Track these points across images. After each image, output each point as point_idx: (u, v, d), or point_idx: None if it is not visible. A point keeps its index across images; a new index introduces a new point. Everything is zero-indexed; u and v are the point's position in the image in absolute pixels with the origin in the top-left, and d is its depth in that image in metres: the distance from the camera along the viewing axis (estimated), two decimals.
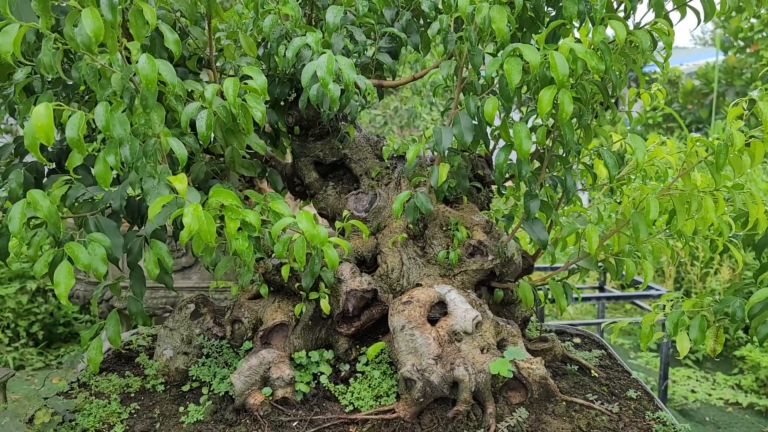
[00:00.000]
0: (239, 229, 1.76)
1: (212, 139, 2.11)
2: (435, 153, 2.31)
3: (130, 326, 4.42)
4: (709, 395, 5.88)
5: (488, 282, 2.47)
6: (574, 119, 2.12)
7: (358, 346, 2.38)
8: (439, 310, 2.22)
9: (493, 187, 2.77)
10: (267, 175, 2.74)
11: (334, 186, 2.83)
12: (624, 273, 2.39)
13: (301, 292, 2.24)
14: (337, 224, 2.34)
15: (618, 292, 6.12)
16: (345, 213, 2.54)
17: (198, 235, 1.65)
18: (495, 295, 2.49)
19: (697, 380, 6.27)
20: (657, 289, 5.36)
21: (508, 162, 2.09)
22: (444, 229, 2.40)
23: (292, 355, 2.25)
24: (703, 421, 5.36)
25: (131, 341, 2.77)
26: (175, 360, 2.33)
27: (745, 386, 6.16)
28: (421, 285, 2.34)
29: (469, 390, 1.96)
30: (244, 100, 1.88)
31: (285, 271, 2.12)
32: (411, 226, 2.34)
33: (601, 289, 6.12)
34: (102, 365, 2.44)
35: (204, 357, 2.34)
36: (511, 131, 2.00)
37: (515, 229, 2.31)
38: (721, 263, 7.14)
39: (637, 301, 5.78)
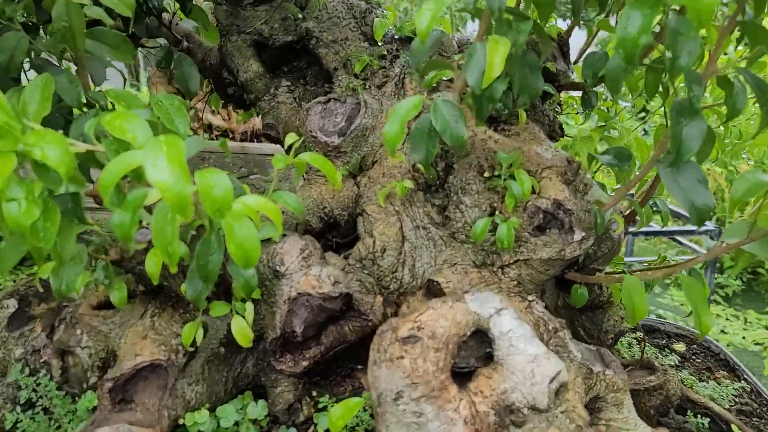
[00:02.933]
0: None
1: None
2: (475, 20, 1.11)
3: None
4: (743, 338, 4.94)
5: (563, 272, 1.33)
6: None
7: (313, 394, 1.27)
8: (475, 348, 1.08)
9: (566, 97, 1.58)
10: (173, 65, 1.55)
11: (290, 87, 1.64)
12: None
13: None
14: (276, 162, 1.19)
15: (655, 226, 4.80)
16: (302, 136, 1.39)
17: None
18: (574, 297, 1.35)
19: (727, 319, 5.29)
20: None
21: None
22: (485, 174, 1.23)
23: (182, 419, 1.14)
24: None
25: None
26: None
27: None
28: (438, 285, 1.20)
29: None
30: None
31: (153, 263, 1.01)
32: (421, 167, 1.16)
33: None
34: None
35: (25, 407, 1.23)
36: None
37: (636, 181, 1.14)
38: None
39: (679, 237, 4.54)
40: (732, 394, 1.55)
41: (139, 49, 1.81)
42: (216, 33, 1.65)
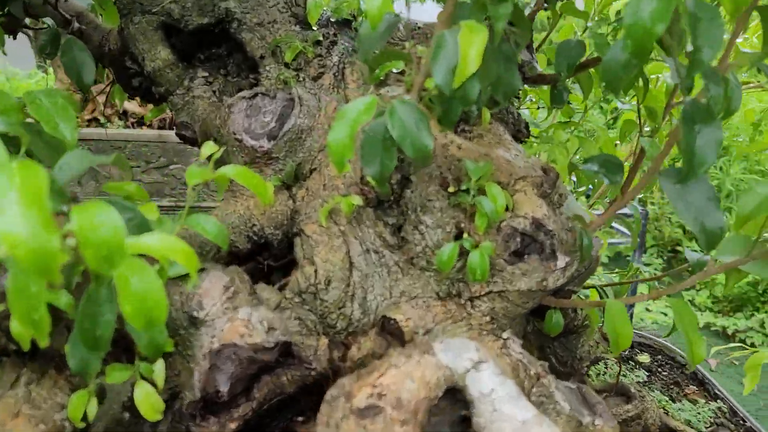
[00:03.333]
0: None
1: None
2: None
3: None
4: (665, 314, 5.04)
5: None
6: None
7: None
8: (448, 410, 0.88)
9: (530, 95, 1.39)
10: (61, 51, 1.27)
11: (208, 78, 1.38)
12: None
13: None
14: (191, 178, 0.95)
15: None
16: (224, 138, 1.16)
17: None
18: (548, 325, 1.17)
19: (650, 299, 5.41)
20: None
21: None
22: (449, 188, 1.02)
23: None
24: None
25: None
26: None
27: (700, 303, 5.34)
28: (395, 324, 0.99)
29: None
30: None
31: (20, 324, 0.74)
32: (373, 182, 0.94)
33: None
34: None
35: None
36: None
37: (633, 193, 0.95)
38: None
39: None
40: (709, 417, 1.43)
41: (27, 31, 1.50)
42: (115, 12, 1.36)
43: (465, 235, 0.99)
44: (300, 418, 1.12)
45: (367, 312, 1.04)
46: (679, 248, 4.97)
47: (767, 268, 1.12)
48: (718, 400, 1.48)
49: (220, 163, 1.36)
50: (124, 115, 4.79)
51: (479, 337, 0.97)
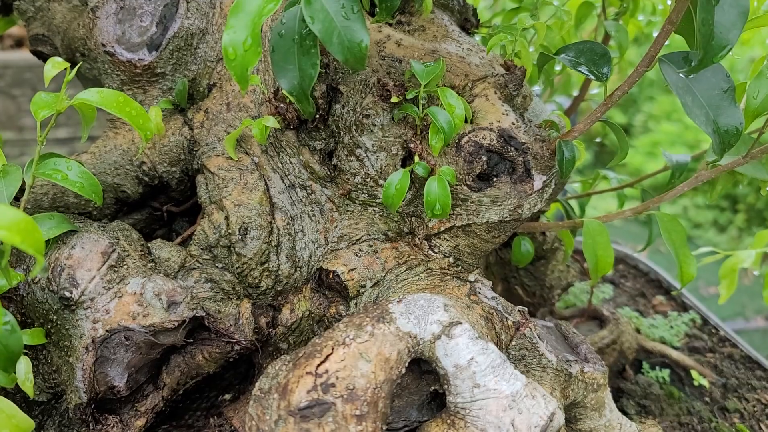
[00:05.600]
0: None
1: None
2: None
3: None
4: (595, 208, 5.09)
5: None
6: None
7: None
8: (413, 387, 0.69)
9: None
10: None
11: None
12: None
13: None
14: (37, 108, 0.68)
15: None
16: (92, 52, 0.89)
17: None
18: (516, 254, 0.99)
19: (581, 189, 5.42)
20: None
21: None
22: (392, 98, 0.78)
23: None
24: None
25: None
26: None
27: (629, 195, 5.43)
28: (336, 277, 0.78)
29: None
30: None
31: None
32: (291, 97, 0.69)
33: None
34: None
35: None
36: None
37: (621, 94, 0.75)
38: None
39: None
40: (683, 325, 1.31)
41: None
42: None
43: (416, 158, 0.77)
44: (227, 396, 0.91)
45: (298, 264, 0.83)
46: (605, 142, 4.90)
47: (762, 167, 0.96)
48: (690, 311, 1.37)
49: (95, 85, 1.08)
50: None
51: (441, 284, 0.78)
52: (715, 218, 4.15)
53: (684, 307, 1.42)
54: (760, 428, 1.09)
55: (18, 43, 3.82)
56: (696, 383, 1.17)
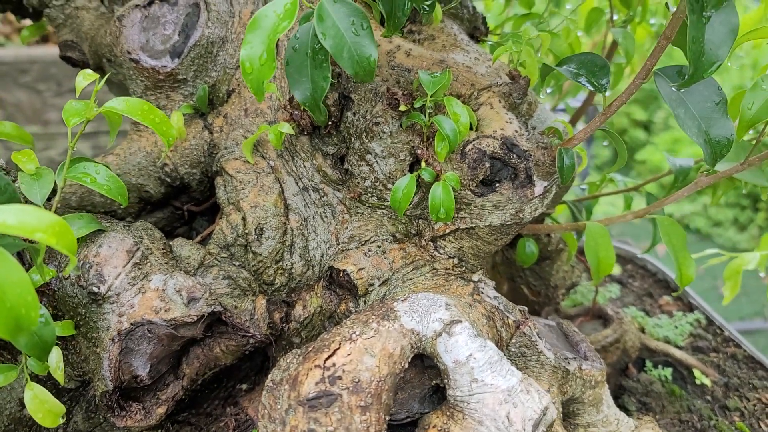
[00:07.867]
0: None
1: None
2: None
3: None
4: (613, 205, 5.08)
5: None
6: None
7: None
8: (416, 381, 0.73)
9: None
10: None
11: None
12: None
13: None
14: (68, 116, 0.73)
15: None
16: (118, 59, 0.94)
17: None
18: (521, 255, 1.02)
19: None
20: None
21: None
22: (400, 106, 0.82)
23: None
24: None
25: None
26: None
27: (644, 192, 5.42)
28: (346, 276, 0.82)
29: None
30: None
31: None
32: (307, 108, 0.73)
33: None
34: None
35: None
36: None
37: (620, 104, 0.78)
38: None
39: None
40: (688, 325, 1.34)
41: None
42: None
43: (422, 164, 0.81)
44: (243, 386, 0.96)
45: (311, 263, 0.87)
46: (626, 139, 4.89)
47: (760, 173, 0.99)
48: (695, 311, 1.40)
49: (122, 92, 1.13)
50: None
51: (446, 284, 0.82)
52: (736, 216, 4.11)
53: (690, 307, 1.44)
54: (760, 427, 1.12)
55: (44, 39, 3.90)
56: (698, 382, 1.20)
